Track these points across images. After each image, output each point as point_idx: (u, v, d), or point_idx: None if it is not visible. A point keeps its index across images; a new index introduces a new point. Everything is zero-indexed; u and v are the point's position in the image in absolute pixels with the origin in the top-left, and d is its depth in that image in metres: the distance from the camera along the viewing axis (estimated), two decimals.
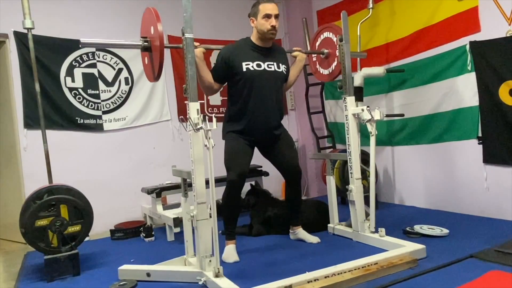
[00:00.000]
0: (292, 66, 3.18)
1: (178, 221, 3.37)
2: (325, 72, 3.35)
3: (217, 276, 2.27)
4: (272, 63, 2.93)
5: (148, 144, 4.31)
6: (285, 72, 3.01)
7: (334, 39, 3.18)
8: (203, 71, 2.78)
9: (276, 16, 2.83)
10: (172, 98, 4.47)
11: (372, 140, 2.92)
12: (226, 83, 2.97)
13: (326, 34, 3.29)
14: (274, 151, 3.04)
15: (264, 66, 2.89)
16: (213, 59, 4.71)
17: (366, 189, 3.15)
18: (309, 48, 4.83)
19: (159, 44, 2.32)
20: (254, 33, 2.92)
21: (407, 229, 3.10)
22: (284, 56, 3.09)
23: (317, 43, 3.40)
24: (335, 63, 3.22)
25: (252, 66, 2.85)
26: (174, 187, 3.87)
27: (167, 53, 4.45)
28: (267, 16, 2.80)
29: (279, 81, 2.99)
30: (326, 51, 3.27)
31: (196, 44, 2.61)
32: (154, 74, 2.45)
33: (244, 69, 2.84)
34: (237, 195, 2.87)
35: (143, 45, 2.48)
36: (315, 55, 3.42)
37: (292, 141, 3.16)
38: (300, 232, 3.19)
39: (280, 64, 2.97)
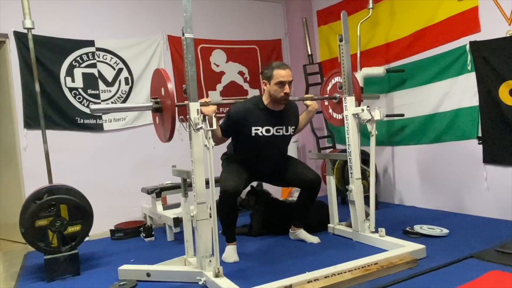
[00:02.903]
0: (303, 113, 3.16)
1: (178, 221, 3.37)
2: (339, 117, 3.25)
3: (217, 276, 2.27)
4: (281, 127, 2.93)
5: (148, 144, 4.30)
6: (293, 132, 3.04)
7: None
8: (214, 130, 2.76)
9: (290, 83, 2.81)
10: None
11: (372, 140, 2.92)
12: None
13: (336, 79, 3.25)
14: (282, 174, 3.07)
15: (273, 131, 2.90)
16: (213, 59, 4.74)
17: (366, 189, 3.16)
18: (309, 49, 4.87)
19: (170, 104, 2.27)
20: (266, 95, 2.88)
21: (407, 229, 3.10)
22: (295, 115, 3.06)
23: (328, 88, 3.36)
24: None
25: (261, 132, 2.87)
26: (174, 187, 3.86)
27: (167, 53, 4.45)
28: (281, 83, 2.77)
29: (286, 141, 3.05)
30: (338, 95, 3.19)
31: (207, 100, 2.57)
32: (166, 135, 2.38)
33: (253, 134, 2.85)
34: (231, 205, 2.81)
35: (154, 106, 2.42)
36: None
37: (294, 157, 3.21)
38: (301, 233, 3.18)
39: (289, 127, 2.98)
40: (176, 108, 2.31)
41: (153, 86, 2.57)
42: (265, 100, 2.89)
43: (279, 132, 2.93)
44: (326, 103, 3.43)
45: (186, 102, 2.38)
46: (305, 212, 3.17)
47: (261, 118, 2.86)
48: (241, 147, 2.97)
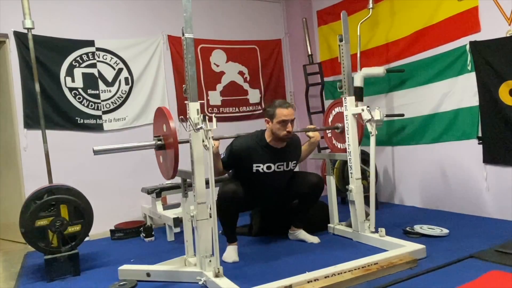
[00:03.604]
0: (305, 144, 3.17)
1: (178, 221, 3.37)
2: (343, 146, 3.25)
3: (217, 276, 2.27)
4: (282, 163, 2.95)
5: None
6: (293, 167, 3.05)
7: None
8: (216, 164, 2.77)
9: (292, 121, 2.83)
10: (172, 98, 4.47)
11: (372, 140, 2.92)
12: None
13: (337, 109, 3.24)
14: (285, 195, 3.09)
15: (274, 167, 2.92)
16: (213, 59, 4.74)
17: (366, 189, 3.16)
18: (309, 49, 4.87)
19: (173, 142, 2.27)
20: (269, 133, 2.91)
21: (407, 229, 3.10)
22: (297, 149, 3.08)
23: (330, 119, 3.36)
24: None
25: (262, 169, 2.89)
26: (174, 187, 3.86)
27: (167, 53, 4.45)
28: (283, 122, 2.79)
29: (287, 176, 3.05)
30: (340, 125, 3.19)
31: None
32: (170, 172, 2.37)
33: (254, 171, 2.88)
34: (231, 207, 2.80)
35: (157, 144, 2.42)
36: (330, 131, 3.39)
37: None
38: (301, 233, 3.18)
39: (290, 162, 2.99)
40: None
41: (155, 125, 2.56)
42: (268, 137, 2.91)
43: (280, 168, 2.95)
44: (329, 134, 3.43)
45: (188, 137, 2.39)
46: (306, 213, 3.17)
47: (262, 156, 2.88)
48: (243, 179, 2.96)
